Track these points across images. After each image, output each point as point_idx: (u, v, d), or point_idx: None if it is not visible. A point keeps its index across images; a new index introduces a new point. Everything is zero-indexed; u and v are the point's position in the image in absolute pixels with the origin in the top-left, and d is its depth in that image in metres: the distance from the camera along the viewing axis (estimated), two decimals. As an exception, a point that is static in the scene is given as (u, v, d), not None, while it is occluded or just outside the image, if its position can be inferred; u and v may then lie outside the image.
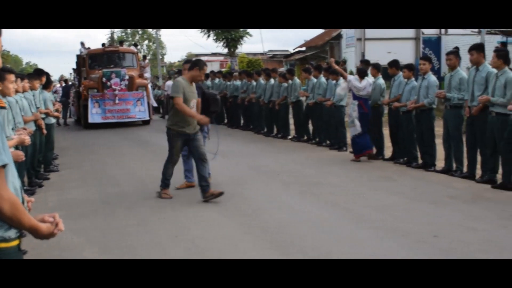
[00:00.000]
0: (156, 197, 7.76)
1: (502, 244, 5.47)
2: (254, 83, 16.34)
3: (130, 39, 66.04)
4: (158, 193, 7.81)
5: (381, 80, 10.79)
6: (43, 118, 9.37)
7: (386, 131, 10.78)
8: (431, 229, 5.96)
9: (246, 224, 6.38)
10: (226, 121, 19.37)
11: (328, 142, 12.75)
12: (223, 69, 33.63)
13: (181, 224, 6.49)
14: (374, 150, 10.78)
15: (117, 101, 19.62)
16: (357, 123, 10.57)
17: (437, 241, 5.58)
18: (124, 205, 7.49)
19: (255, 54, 45.50)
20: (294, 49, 44.52)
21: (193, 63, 7.81)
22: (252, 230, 6.12)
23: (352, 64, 21.25)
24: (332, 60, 12.46)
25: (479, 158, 8.47)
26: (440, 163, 9.39)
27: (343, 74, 11.08)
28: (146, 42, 71.33)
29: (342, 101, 11.96)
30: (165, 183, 7.77)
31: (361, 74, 10.72)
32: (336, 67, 11.57)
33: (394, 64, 10.39)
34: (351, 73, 27.14)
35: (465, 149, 8.71)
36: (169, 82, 24.76)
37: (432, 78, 9.31)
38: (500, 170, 8.06)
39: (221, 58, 48.16)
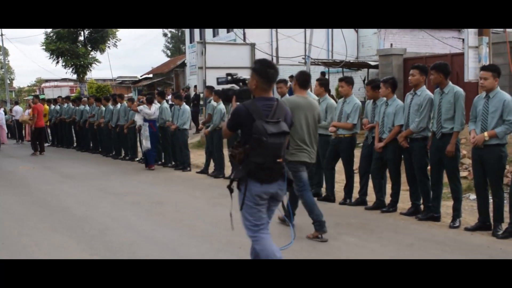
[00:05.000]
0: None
1: (321, 250, 5.75)
2: (103, 108, 15.86)
3: (-24, 63, 61.37)
4: None
5: (221, 106, 11.00)
6: None
7: (226, 152, 10.97)
8: (265, 240, 6.12)
9: (93, 246, 6.10)
10: (75, 144, 18.63)
11: (173, 163, 12.71)
12: (72, 95, 32.35)
13: (26, 248, 6.05)
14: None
15: (-40, 127, 18.06)
16: (148, 140, 12.29)
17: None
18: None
19: (104, 80, 44.33)
20: (141, 76, 44.09)
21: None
22: (98, 251, 5.87)
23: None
24: (135, 105, 13.18)
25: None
26: (273, 180, 9.70)
27: (136, 110, 12.72)
28: (-7, 67, 66.72)
29: (184, 124, 12.03)
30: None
31: (149, 101, 12.56)
32: (136, 108, 12.84)
33: (232, 91, 10.61)
34: (198, 96, 27.33)
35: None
36: (17, 108, 23.26)
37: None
38: (324, 184, 8.52)
39: (71, 83, 46.36)
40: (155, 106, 12.60)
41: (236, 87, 4.82)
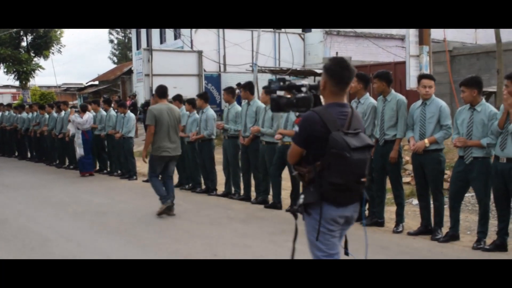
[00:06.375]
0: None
1: (269, 257, 5.72)
2: (46, 115, 15.40)
3: None
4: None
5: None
6: None
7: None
8: (210, 249, 6.06)
9: (32, 259, 5.88)
10: (16, 153, 18.00)
11: (119, 171, 12.46)
12: (14, 102, 31.40)
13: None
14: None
15: None
16: (81, 148, 12.38)
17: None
18: None
19: (48, 87, 43.18)
20: (87, 83, 43.27)
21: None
22: (38, 264, 5.67)
23: (142, 97, 21.19)
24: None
25: (253, 181, 8.89)
26: (220, 188, 9.66)
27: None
28: None
29: (130, 132, 11.84)
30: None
31: (83, 109, 12.74)
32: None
33: (178, 98, 10.51)
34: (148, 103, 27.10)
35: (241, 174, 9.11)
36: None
37: (210, 112, 9.59)
38: (271, 192, 8.51)
39: (14, 90, 44.98)
40: (89, 114, 12.61)
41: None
